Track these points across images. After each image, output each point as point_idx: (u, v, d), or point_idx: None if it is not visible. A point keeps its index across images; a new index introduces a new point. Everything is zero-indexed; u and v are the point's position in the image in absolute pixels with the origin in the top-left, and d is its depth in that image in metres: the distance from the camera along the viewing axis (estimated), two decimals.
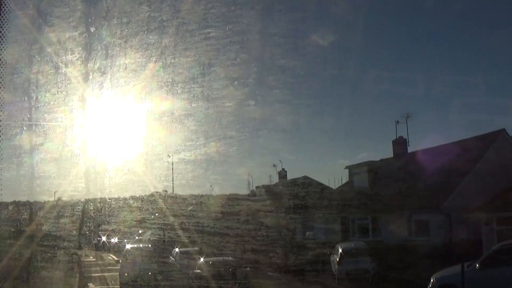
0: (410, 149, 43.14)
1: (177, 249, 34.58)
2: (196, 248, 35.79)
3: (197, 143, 34.63)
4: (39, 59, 24.81)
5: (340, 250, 29.84)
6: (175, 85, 27.18)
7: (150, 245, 37.20)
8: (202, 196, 49.20)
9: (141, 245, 37.21)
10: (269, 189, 53.53)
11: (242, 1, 30.19)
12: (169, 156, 35.37)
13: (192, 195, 48.22)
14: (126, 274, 30.41)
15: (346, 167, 44.14)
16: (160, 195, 41.60)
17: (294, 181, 52.16)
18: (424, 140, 60.87)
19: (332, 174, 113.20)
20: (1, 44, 7.30)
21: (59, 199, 38.94)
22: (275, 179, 59.26)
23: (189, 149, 35.04)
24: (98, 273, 35.85)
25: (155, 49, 25.29)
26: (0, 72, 7.26)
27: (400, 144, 42.90)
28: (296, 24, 37.22)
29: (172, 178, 42.27)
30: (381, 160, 43.13)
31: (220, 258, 28.41)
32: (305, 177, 53.92)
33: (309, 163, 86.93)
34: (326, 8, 40.18)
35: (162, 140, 32.42)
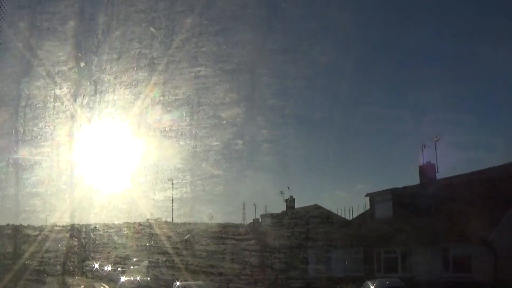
0: (438, 176, 38.99)
1: (178, 283, 30.29)
2: (200, 282, 31.61)
3: (183, 181, 35.13)
4: (28, 92, 25.57)
5: None
6: (163, 122, 27.86)
7: (148, 278, 33.20)
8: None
9: (138, 278, 33.14)
10: (275, 218, 49.48)
11: (233, 41, 28.48)
12: (155, 194, 34.53)
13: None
14: None
15: (367, 195, 39.83)
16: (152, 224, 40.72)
17: (306, 210, 48.21)
18: (454, 166, 57.47)
19: (343, 203, 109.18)
20: None
21: (53, 227, 37.82)
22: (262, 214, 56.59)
23: (175, 187, 35.56)
24: None
25: (144, 86, 25.49)
26: None
27: (428, 169, 38.67)
28: (287, 65, 38.17)
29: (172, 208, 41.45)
30: (406, 187, 38.87)
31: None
32: (316, 206, 49.85)
33: (318, 192, 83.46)
34: (317, 49, 41.27)
35: (149, 177, 33.08)
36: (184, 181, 35.28)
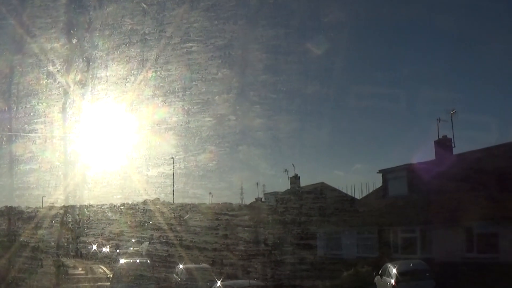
0: (455, 151, 36.87)
1: (181, 266, 28.19)
2: (205, 265, 29.57)
3: (177, 157, 36.40)
4: (20, 69, 25.76)
5: (395, 271, 23.40)
6: (156, 98, 27.64)
7: (148, 261, 31.35)
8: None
9: (138, 260, 31.40)
10: (280, 197, 47.70)
11: (225, 16, 27.74)
12: (149, 169, 34.83)
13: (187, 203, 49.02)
14: None
15: (379, 171, 37.65)
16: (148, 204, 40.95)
17: (312, 189, 46.33)
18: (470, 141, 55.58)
19: (349, 182, 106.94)
20: None
21: (50, 207, 38.23)
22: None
23: (168, 163, 36.59)
24: None
25: (136, 62, 25.47)
26: None
27: (444, 144, 36.53)
28: (279, 40, 36.42)
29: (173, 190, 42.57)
30: (422, 163, 36.66)
31: (245, 282, 21.44)
32: (323, 184, 47.91)
33: (322, 171, 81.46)
34: (310, 22, 40.24)
35: (142, 152, 32.96)
36: (177, 157, 36.37)
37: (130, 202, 42.54)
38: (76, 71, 25.77)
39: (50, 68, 25.27)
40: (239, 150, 56.11)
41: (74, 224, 39.68)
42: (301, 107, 50.62)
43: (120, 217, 41.40)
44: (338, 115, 62.58)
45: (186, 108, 28.90)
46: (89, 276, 37.47)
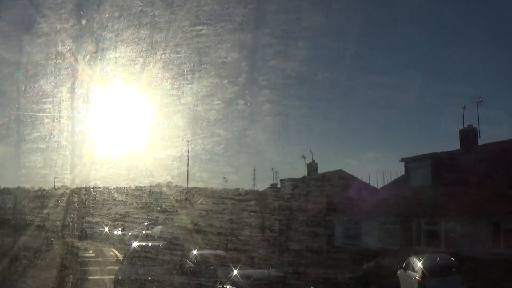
0: (480, 141, 35.64)
1: (195, 251, 27.09)
2: (220, 251, 28.50)
3: (184, 139, 35.90)
4: (29, 49, 26.06)
5: (421, 265, 22.17)
6: (164, 80, 27.36)
7: (160, 244, 30.46)
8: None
9: (150, 244, 30.59)
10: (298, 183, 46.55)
11: (235, 0, 28.90)
12: (157, 152, 35.29)
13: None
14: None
15: (402, 160, 36.48)
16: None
17: (330, 175, 45.15)
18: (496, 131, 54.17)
19: (367, 171, 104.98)
20: None
21: (57, 188, 39.58)
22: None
23: (175, 146, 36.21)
24: (97, 274, 29.20)
25: (145, 44, 25.44)
26: None
27: (469, 134, 35.23)
28: (290, 25, 36.49)
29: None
30: (446, 152, 35.37)
31: (264, 272, 20.21)
32: (341, 171, 46.68)
33: (337, 159, 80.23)
34: (322, 8, 39.89)
35: (149, 135, 33.63)
36: (185, 140, 36.02)
37: (142, 185, 42.31)
38: (85, 52, 25.74)
39: (59, 48, 25.23)
40: (247, 134, 56.03)
41: (80, 205, 39.39)
42: (311, 93, 50.70)
43: (129, 199, 41.21)
44: (350, 102, 61.58)
45: (195, 91, 29.10)
46: (100, 259, 36.69)
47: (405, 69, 57.01)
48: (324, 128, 60.06)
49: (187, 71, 27.52)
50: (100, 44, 25.54)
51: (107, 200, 38.63)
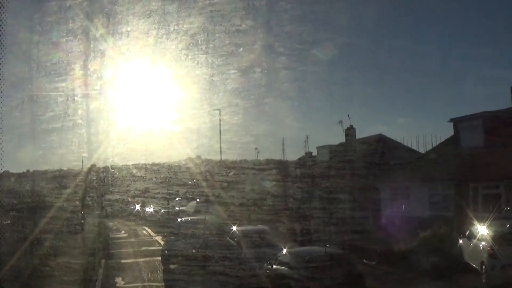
0: None
1: (234, 228, 25.11)
2: (262, 226, 26.55)
3: (201, 111, 35.78)
4: (40, 28, 25.63)
5: (489, 233, 19.85)
6: (178, 52, 26.87)
7: (204, 217, 29.51)
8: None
9: (189, 218, 29.40)
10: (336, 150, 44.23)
11: None
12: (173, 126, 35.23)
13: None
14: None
15: (451, 120, 34.00)
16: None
17: (372, 139, 42.78)
18: None
19: (407, 134, 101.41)
20: (1, 14, 7.72)
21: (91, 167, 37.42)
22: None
23: (193, 117, 35.77)
24: (130, 258, 28.24)
25: (158, 15, 25.12)
26: (0, 43, 7.72)
27: None
28: None
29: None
30: (498, 111, 32.77)
31: (320, 250, 17.99)
32: (381, 136, 44.22)
33: (370, 123, 77.44)
34: None
35: (166, 107, 34.18)
36: (202, 111, 35.34)
37: (161, 162, 42.02)
38: (97, 27, 25.55)
39: (70, 25, 25.00)
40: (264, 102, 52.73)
41: (99, 182, 39.46)
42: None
43: (149, 175, 40.66)
44: (378, 65, 58.75)
45: (210, 61, 28.00)
46: (133, 239, 35.23)
47: (453, 26, 53.61)
48: (357, 93, 57.22)
49: (201, 41, 26.88)
50: (111, 19, 25.32)
51: (126, 177, 38.73)
